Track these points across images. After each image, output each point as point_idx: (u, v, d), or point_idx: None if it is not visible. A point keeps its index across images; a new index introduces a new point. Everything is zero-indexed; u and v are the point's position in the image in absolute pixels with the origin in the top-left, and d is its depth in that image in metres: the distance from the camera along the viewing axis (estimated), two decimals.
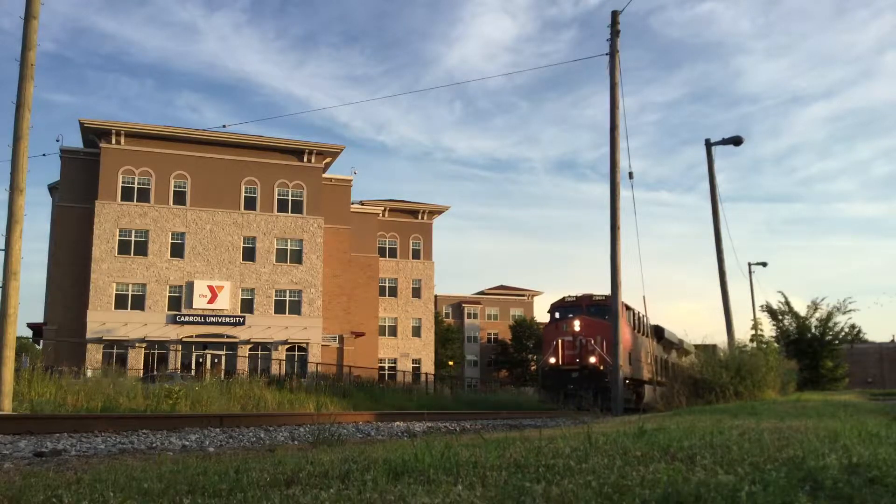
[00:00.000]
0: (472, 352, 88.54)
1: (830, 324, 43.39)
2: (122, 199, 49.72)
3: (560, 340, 28.25)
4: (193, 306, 49.90)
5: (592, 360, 27.46)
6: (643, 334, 32.25)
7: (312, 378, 39.73)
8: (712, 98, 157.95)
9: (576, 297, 30.16)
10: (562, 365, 28.17)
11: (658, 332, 35.86)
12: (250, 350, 50.59)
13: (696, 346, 40.47)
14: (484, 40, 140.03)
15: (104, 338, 47.15)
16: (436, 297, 72.62)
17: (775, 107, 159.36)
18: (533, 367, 73.19)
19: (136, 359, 47.56)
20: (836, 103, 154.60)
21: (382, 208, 65.13)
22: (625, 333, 26.72)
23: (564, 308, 30.11)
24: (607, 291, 27.51)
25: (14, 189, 14.45)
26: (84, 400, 16.13)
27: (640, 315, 32.01)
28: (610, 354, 24.21)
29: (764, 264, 45.73)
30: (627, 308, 29.05)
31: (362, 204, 63.07)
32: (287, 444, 8.28)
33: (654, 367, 33.91)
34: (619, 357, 20.44)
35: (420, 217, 67.92)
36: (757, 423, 6.96)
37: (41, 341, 52.52)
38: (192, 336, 49.37)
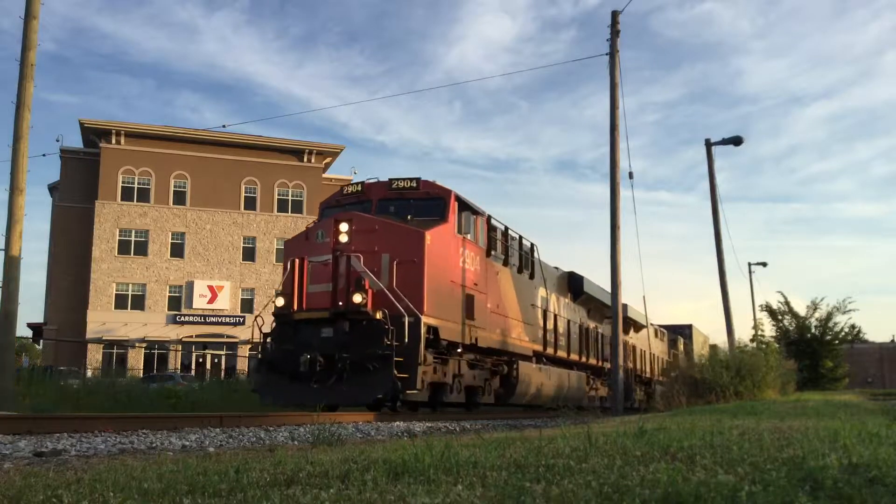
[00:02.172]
0: None
1: (830, 324, 43.48)
2: (122, 199, 49.78)
3: (301, 262, 13.53)
4: (193, 306, 49.94)
5: (358, 298, 12.79)
6: (526, 274, 18.68)
7: None
8: (712, 98, 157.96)
9: (361, 183, 15.17)
10: (297, 311, 13.36)
11: (574, 284, 22.91)
12: (250, 350, 50.59)
13: (665, 327, 36.58)
14: (483, 40, 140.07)
15: (104, 338, 47.19)
16: None
17: (775, 107, 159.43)
18: None
19: (136, 359, 47.62)
20: (835, 103, 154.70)
21: None
22: (447, 250, 14.17)
23: (339, 206, 15.00)
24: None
25: (14, 189, 14.47)
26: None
27: (528, 244, 19.21)
28: (411, 292, 12.96)
29: (764, 264, 45.81)
30: (465, 207, 15.15)
31: None
32: (287, 444, 8.28)
33: (551, 335, 20.18)
34: (619, 357, 20.27)
35: None
36: (757, 423, 6.97)
37: (41, 341, 52.56)
38: (192, 336, 49.42)
